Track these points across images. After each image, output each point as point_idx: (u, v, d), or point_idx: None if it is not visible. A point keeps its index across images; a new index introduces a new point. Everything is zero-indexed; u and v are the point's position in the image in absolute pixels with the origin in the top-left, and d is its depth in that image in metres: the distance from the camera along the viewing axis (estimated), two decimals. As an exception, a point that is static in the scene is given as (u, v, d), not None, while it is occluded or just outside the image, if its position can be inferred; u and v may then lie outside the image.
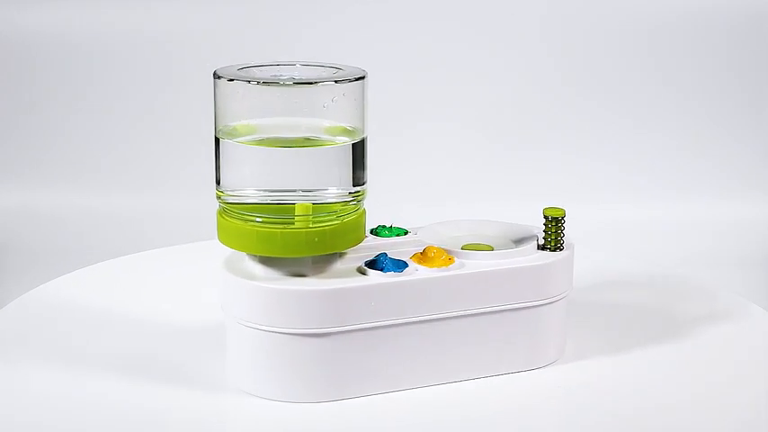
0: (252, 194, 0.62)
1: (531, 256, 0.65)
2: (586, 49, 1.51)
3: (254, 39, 1.50)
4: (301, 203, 0.61)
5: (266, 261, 0.62)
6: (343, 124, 0.62)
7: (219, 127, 0.62)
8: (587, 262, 0.83)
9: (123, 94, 1.52)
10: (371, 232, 0.67)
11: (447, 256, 0.64)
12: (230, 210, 0.62)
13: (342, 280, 0.61)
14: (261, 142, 0.61)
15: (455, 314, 0.63)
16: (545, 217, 0.65)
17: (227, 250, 0.64)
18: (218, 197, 0.63)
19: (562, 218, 0.65)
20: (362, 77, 0.61)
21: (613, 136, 1.51)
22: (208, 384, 0.64)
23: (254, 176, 0.62)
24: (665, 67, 1.51)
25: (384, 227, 0.68)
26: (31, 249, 1.42)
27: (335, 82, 0.61)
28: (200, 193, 1.49)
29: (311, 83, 0.61)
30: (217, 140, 0.62)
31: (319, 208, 0.61)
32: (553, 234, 0.65)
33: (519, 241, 0.67)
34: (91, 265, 0.87)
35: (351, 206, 0.62)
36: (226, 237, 0.62)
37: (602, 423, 0.61)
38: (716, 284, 0.83)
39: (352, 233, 0.62)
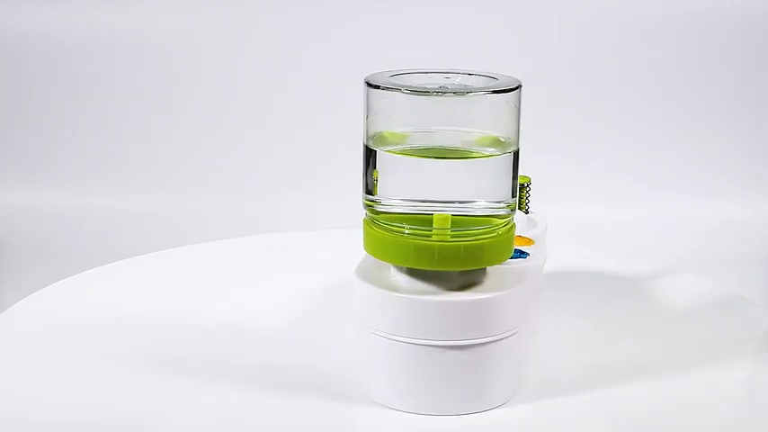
0: (401, 204, 0.60)
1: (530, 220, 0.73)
2: (584, 48, 1.52)
3: (248, 40, 1.48)
4: (439, 215, 0.59)
5: (414, 272, 0.60)
6: (497, 135, 0.61)
7: (370, 135, 0.60)
8: (586, 261, 0.87)
9: (124, 92, 1.50)
10: None
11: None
12: (379, 220, 0.60)
13: (502, 286, 0.61)
14: (418, 152, 0.60)
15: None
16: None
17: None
18: (368, 206, 0.61)
19: (528, 184, 0.73)
20: (518, 87, 0.60)
21: (611, 135, 1.52)
22: (343, 397, 0.63)
23: (408, 186, 0.60)
24: (662, 68, 1.52)
25: None
26: (35, 250, 1.40)
27: (491, 92, 0.59)
28: (200, 193, 1.48)
29: (466, 93, 0.59)
30: (368, 149, 0.60)
31: (468, 220, 0.60)
32: (524, 198, 0.73)
33: None
34: (101, 266, 0.85)
35: (504, 219, 0.61)
36: (375, 248, 0.60)
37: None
38: (713, 282, 0.84)
39: (507, 246, 0.61)
